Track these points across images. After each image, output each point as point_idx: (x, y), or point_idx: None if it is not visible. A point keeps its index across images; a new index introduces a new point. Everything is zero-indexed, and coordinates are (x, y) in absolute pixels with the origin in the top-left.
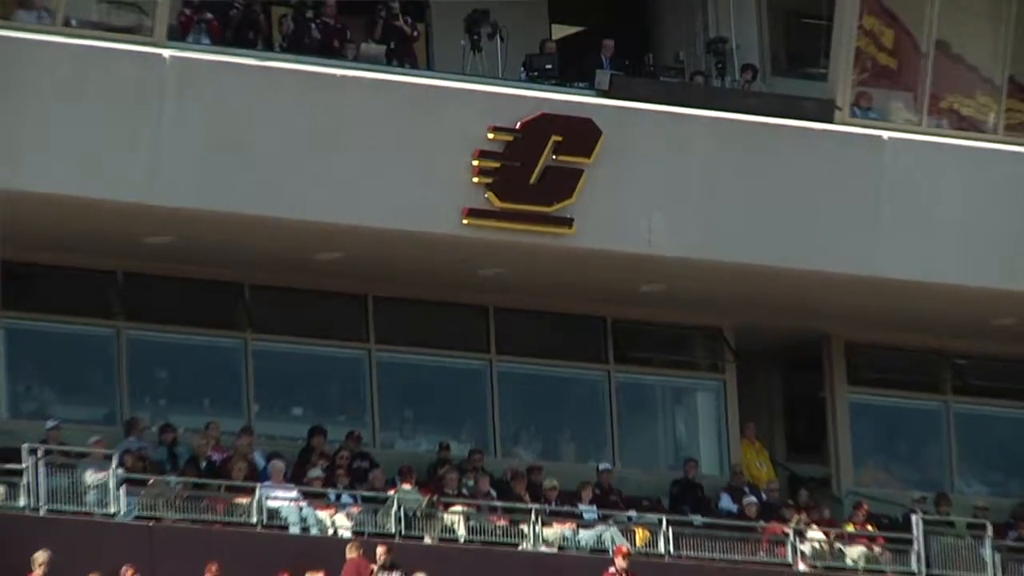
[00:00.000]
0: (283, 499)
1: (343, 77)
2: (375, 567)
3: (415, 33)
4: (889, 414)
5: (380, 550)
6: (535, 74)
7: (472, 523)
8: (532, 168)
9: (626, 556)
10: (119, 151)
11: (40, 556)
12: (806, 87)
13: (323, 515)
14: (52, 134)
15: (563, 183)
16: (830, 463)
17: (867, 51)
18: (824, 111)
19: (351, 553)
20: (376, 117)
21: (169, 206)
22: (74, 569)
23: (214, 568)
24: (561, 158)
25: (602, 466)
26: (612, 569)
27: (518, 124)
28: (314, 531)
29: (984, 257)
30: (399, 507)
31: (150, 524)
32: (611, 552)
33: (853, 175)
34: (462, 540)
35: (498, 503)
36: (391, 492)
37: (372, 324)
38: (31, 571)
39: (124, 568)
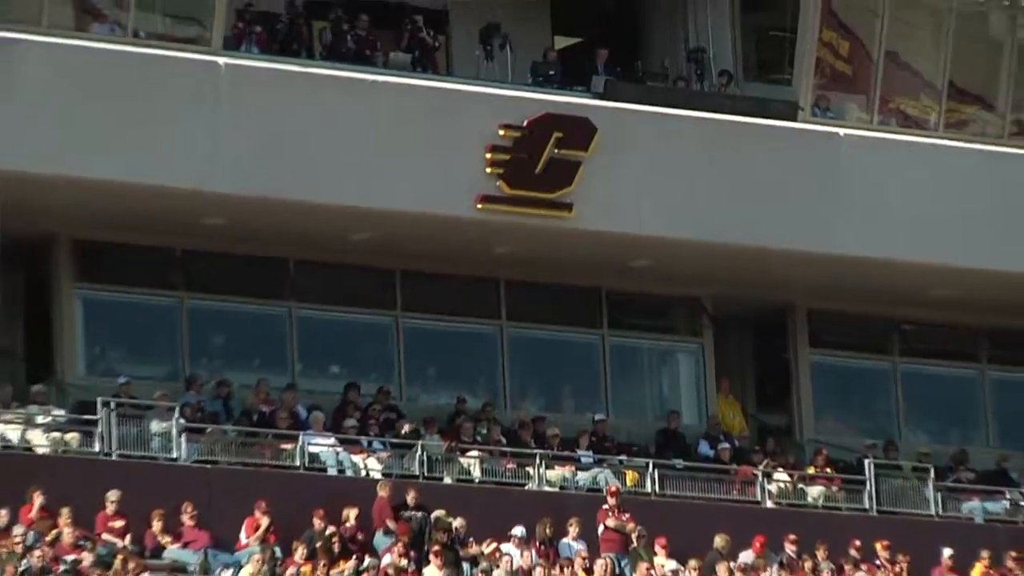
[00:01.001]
0: (322, 445)
1: (374, 82)
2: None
3: (436, 44)
4: (845, 373)
5: (411, 494)
6: (540, 79)
7: (485, 466)
8: (537, 160)
9: (615, 495)
10: (181, 144)
11: (112, 495)
12: (773, 90)
13: (357, 459)
14: (123, 130)
15: (564, 173)
16: (793, 415)
17: (826, 60)
18: (789, 111)
19: (381, 492)
20: (402, 116)
21: (223, 192)
22: (141, 506)
23: (262, 505)
24: (562, 152)
25: (597, 417)
26: (605, 506)
27: (525, 122)
28: (349, 473)
29: (926, 237)
30: (423, 452)
31: (207, 467)
32: (604, 491)
33: (814, 166)
34: (477, 481)
35: (508, 449)
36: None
37: (399, 295)
38: (104, 508)
39: (184, 504)
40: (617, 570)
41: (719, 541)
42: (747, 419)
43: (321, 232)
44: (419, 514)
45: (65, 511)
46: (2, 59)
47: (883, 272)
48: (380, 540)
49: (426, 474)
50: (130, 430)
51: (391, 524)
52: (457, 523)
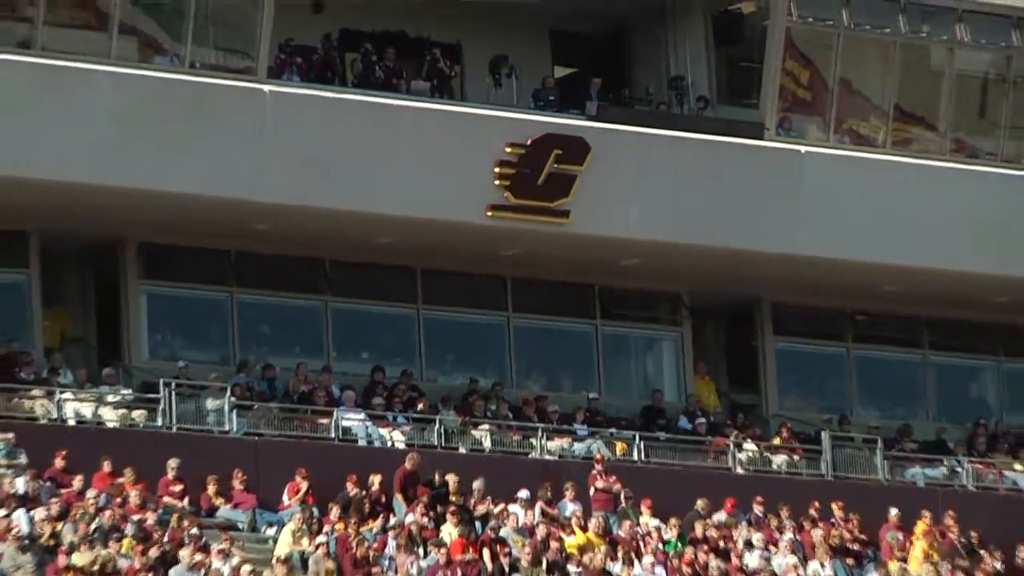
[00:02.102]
0: (353, 420)
1: (398, 106)
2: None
3: (452, 73)
4: (805, 357)
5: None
6: (541, 103)
7: (494, 437)
8: (539, 174)
9: (601, 460)
10: (232, 160)
11: (172, 463)
12: (743, 113)
13: (383, 432)
14: (181, 148)
15: (562, 185)
16: (760, 393)
17: (788, 87)
18: (756, 131)
19: (408, 464)
20: (422, 135)
21: (269, 201)
22: (197, 473)
23: (302, 471)
24: (560, 166)
25: (591, 395)
26: (594, 471)
27: (528, 141)
28: (376, 444)
29: (876, 239)
30: (440, 426)
31: (255, 439)
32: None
33: (778, 179)
34: (487, 450)
35: (513, 423)
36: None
37: (420, 290)
38: (165, 474)
39: (234, 471)
40: (608, 527)
41: (700, 503)
42: (720, 397)
43: (352, 236)
44: (439, 480)
45: (131, 477)
46: (78, 87)
47: (838, 270)
48: (397, 504)
49: (443, 445)
50: (188, 407)
51: (409, 492)
52: (477, 484)
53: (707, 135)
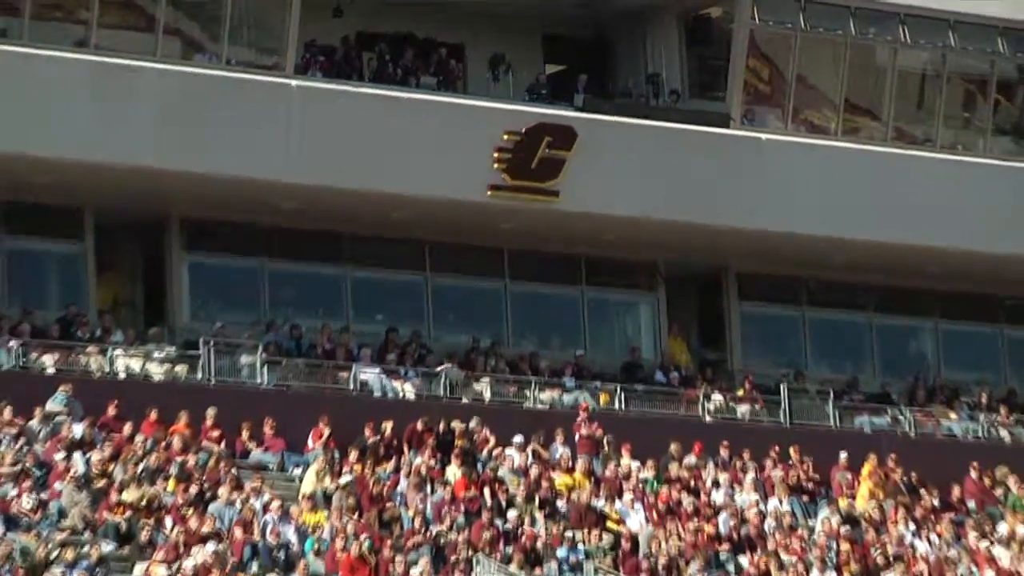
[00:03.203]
0: (369, 374)
1: (409, 99)
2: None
3: (456, 70)
4: (765, 319)
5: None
6: (534, 96)
7: (493, 389)
8: (532, 158)
9: (586, 409)
10: (263, 146)
11: (210, 411)
12: (711, 105)
13: (396, 384)
14: (218, 135)
15: (552, 168)
16: (727, 351)
17: (751, 82)
18: (723, 121)
19: (419, 426)
20: (430, 124)
21: (296, 182)
22: (232, 420)
23: (325, 419)
24: (551, 152)
25: (578, 352)
26: (581, 420)
27: (523, 129)
28: (390, 395)
29: (828, 216)
30: (446, 379)
31: (283, 390)
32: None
33: (742, 163)
34: (487, 401)
35: (510, 376)
36: (439, 368)
37: (428, 259)
38: (204, 422)
39: (265, 419)
40: (592, 468)
41: (673, 447)
42: (691, 354)
43: (368, 212)
44: (444, 427)
45: (176, 423)
46: (128, 81)
47: (795, 243)
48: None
49: (448, 396)
50: (224, 362)
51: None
52: (476, 426)
53: (679, 124)
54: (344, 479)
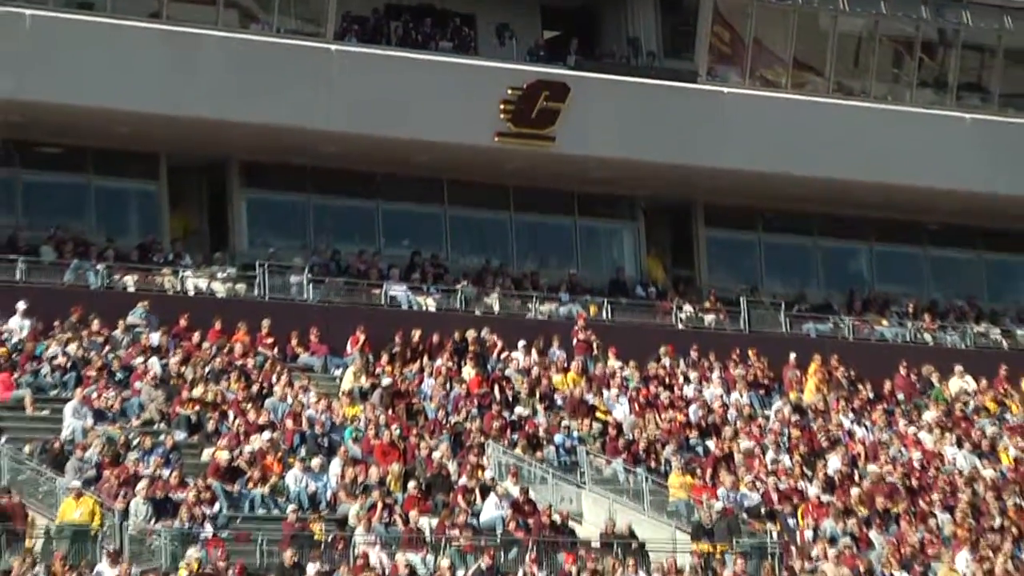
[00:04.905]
0: (398, 290)
1: (429, 60)
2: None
3: (469, 36)
4: (728, 243)
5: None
6: (534, 58)
7: (501, 303)
8: (532, 109)
9: (583, 318)
10: (307, 100)
11: (265, 322)
12: (682, 64)
13: (420, 299)
14: (270, 90)
15: (549, 117)
16: (695, 270)
17: (715, 44)
18: (691, 77)
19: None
20: (447, 81)
21: (336, 130)
22: (283, 330)
23: (360, 328)
24: (548, 104)
25: (572, 271)
26: (575, 327)
27: (525, 85)
28: (415, 308)
29: (781, 156)
30: (462, 294)
31: (326, 305)
32: (576, 318)
33: (708, 112)
34: (496, 312)
35: (515, 292)
36: (457, 286)
37: (446, 194)
38: (260, 331)
39: (311, 328)
40: (585, 368)
41: (661, 351)
42: (667, 272)
43: (396, 155)
44: (460, 336)
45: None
46: (194, 47)
47: (752, 179)
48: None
49: (463, 308)
50: (276, 281)
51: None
52: (487, 333)
53: (655, 80)
54: (385, 381)
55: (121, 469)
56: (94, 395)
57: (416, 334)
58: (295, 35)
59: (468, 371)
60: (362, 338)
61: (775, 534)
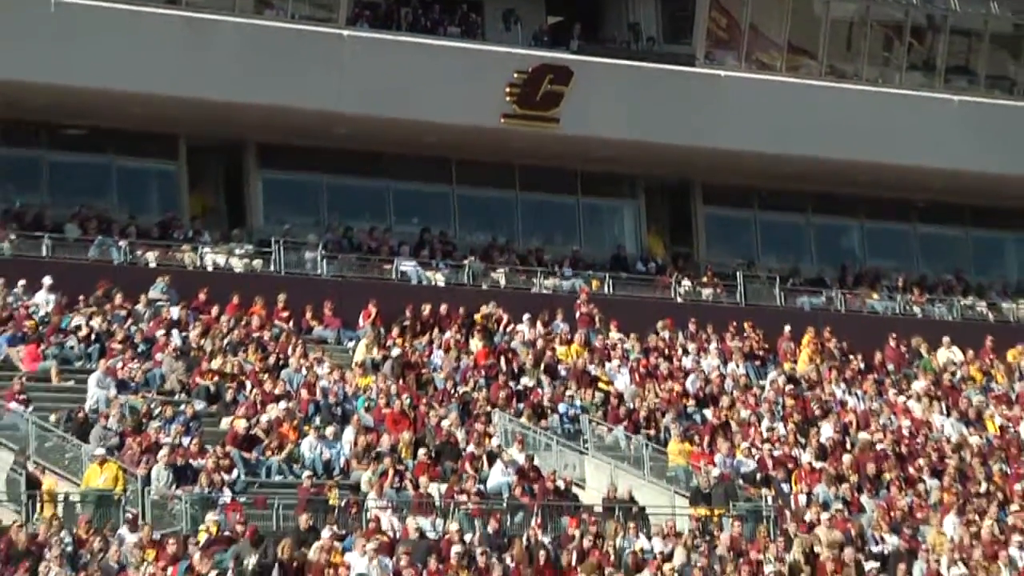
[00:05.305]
0: (408, 266)
1: (438, 45)
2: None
3: (476, 21)
4: (727, 220)
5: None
6: (538, 43)
7: (507, 277)
8: (537, 91)
9: (587, 292)
10: (320, 83)
11: (281, 297)
12: (681, 48)
13: (429, 274)
14: (283, 73)
15: (553, 100)
16: (694, 246)
17: (712, 30)
18: (690, 61)
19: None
20: (456, 65)
21: (347, 112)
22: (298, 304)
23: (372, 302)
24: (552, 87)
25: (575, 247)
26: (578, 301)
27: (530, 69)
28: (424, 283)
29: (776, 136)
30: (469, 269)
31: (339, 279)
32: (579, 292)
33: (706, 95)
34: (502, 287)
35: (520, 267)
36: (465, 261)
37: (454, 174)
38: (276, 305)
39: (325, 301)
40: (588, 340)
41: (661, 324)
42: (666, 248)
43: (406, 136)
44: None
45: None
46: (211, 32)
47: (749, 158)
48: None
49: (471, 283)
50: (291, 257)
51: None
52: (494, 307)
53: (655, 64)
54: (395, 352)
55: (143, 437)
56: (117, 366)
57: (426, 308)
58: (308, 21)
59: (475, 343)
60: (374, 312)
61: (770, 499)
